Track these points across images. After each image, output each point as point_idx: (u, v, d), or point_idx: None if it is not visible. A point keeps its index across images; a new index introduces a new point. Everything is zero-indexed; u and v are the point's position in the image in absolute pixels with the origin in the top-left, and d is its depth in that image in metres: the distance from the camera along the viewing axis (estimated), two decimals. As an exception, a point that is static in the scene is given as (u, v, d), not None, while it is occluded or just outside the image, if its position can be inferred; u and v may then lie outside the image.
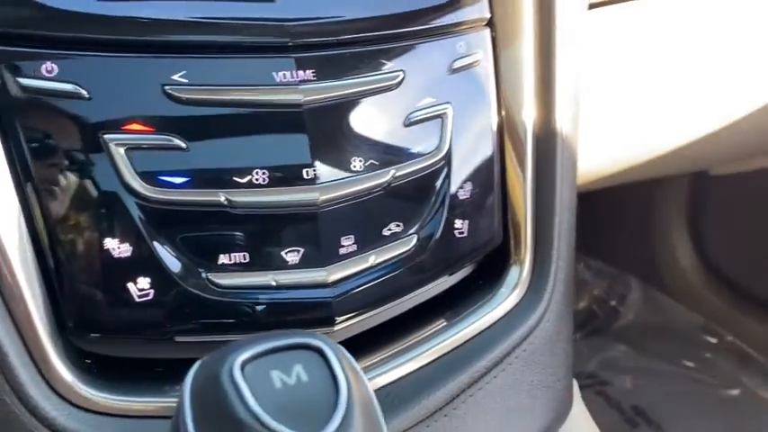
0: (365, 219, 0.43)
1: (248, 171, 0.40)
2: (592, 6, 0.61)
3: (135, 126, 0.38)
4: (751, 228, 1.29)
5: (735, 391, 1.26)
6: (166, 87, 0.38)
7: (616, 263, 1.49)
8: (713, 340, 1.37)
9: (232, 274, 0.40)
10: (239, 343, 0.26)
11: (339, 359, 0.26)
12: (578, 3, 0.54)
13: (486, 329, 0.47)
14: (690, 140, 0.87)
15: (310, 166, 0.41)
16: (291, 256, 0.42)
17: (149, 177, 0.38)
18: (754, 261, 1.30)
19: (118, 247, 0.37)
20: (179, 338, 0.39)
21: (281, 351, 0.26)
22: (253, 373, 0.25)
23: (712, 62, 0.77)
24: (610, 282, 1.49)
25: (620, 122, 0.77)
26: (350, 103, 0.42)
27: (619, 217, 1.47)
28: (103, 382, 0.38)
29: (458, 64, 0.47)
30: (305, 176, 0.41)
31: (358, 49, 0.43)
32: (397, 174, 0.44)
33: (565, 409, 0.51)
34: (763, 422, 1.19)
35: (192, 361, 0.30)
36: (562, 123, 0.51)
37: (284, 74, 0.41)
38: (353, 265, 0.43)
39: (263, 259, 0.41)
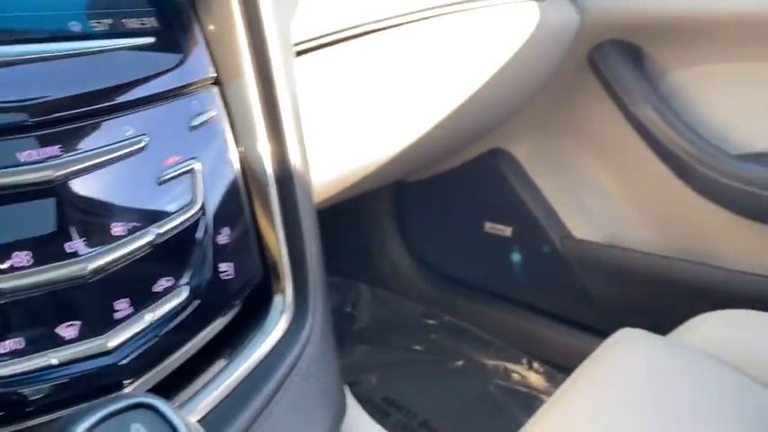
0: (136, 280, 0.45)
1: (8, 255, 0.39)
2: (299, 54, 0.69)
3: None
4: (444, 221, 1.52)
5: (460, 362, 1.46)
6: None
7: (344, 273, 1.62)
8: (434, 323, 1.57)
9: (10, 363, 0.39)
10: (71, 418, 0.27)
11: (173, 411, 0.28)
12: (288, 54, 0.61)
13: (266, 356, 0.51)
14: (391, 157, 1.01)
15: (71, 239, 0.42)
16: (68, 332, 0.41)
17: None
18: (451, 249, 1.52)
19: None
20: (-37, 444, 0.37)
21: (115, 415, 0.27)
22: (95, 442, 0.26)
23: (402, 93, 0.91)
24: (342, 292, 1.62)
25: (335, 148, 0.87)
26: (101, 172, 0.44)
27: (339, 231, 1.60)
28: None
29: (195, 122, 0.51)
30: (68, 251, 0.41)
31: (99, 119, 0.45)
32: (159, 231, 0.46)
33: (342, 410, 0.57)
34: (485, 382, 1.41)
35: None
36: (294, 159, 0.57)
37: (29, 153, 0.41)
38: (131, 327, 0.44)
39: (40, 340, 0.40)
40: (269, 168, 0.56)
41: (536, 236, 1.34)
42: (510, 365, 1.42)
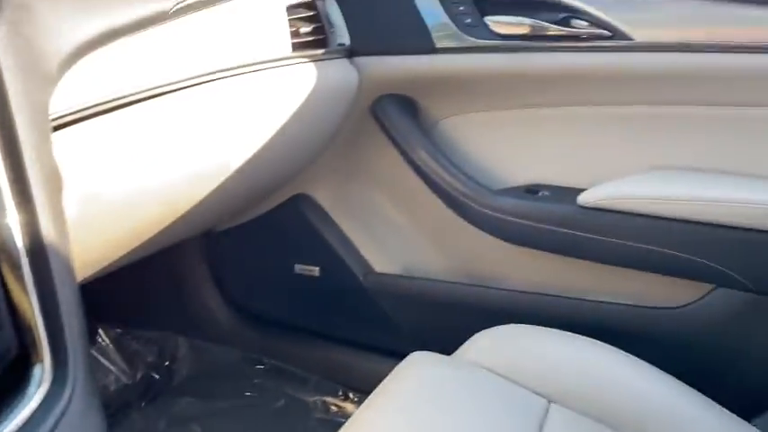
0: None
1: None
2: (57, 128, 0.72)
3: None
4: (257, 266, 1.57)
5: (281, 402, 1.50)
6: None
7: (160, 326, 1.62)
8: (259, 367, 1.60)
9: None
10: None
11: None
12: (40, 128, 0.63)
13: (23, 425, 0.53)
14: (183, 213, 1.05)
15: None
16: None
17: None
18: (265, 293, 1.58)
19: None
20: None
21: None
22: None
23: (188, 153, 0.96)
24: (159, 346, 1.60)
25: (119, 210, 0.89)
26: None
27: (152, 285, 1.60)
28: None
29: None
30: None
31: None
32: None
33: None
34: (306, 418, 1.46)
35: None
36: (48, 230, 0.59)
37: None
38: None
39: None
40: (20, 241, 0.58)
41: (341, 273, 1.43)
42: (328, 398, 1.48)
